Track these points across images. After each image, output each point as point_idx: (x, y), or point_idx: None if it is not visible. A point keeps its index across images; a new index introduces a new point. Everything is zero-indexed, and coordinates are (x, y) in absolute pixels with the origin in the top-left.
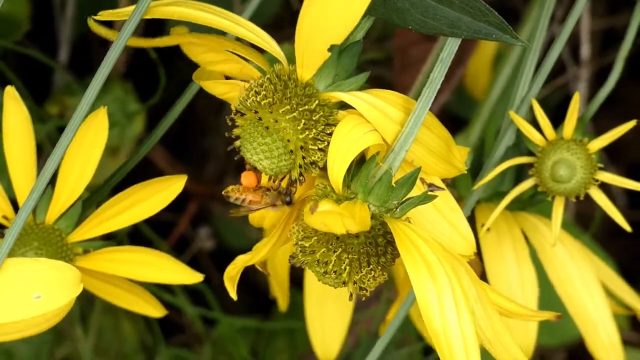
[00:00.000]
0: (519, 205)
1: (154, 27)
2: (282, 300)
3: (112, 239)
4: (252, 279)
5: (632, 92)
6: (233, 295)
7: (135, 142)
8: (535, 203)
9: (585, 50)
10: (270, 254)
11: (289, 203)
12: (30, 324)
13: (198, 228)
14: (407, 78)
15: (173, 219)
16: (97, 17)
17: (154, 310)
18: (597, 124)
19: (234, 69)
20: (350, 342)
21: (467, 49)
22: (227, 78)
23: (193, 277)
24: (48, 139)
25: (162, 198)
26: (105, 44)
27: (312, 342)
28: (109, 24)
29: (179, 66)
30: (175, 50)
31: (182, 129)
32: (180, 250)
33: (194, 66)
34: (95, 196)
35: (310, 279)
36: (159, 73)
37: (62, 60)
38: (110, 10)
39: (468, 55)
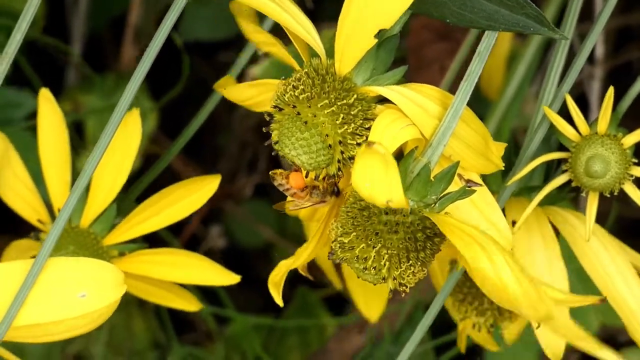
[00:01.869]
0: (548, 199)
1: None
2: (337, 282)
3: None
4: (265, 277)
5: None
6: (279, 301)
7: (149, 140)
8: (564, 197)
9: (599, 49)
10: (312, 257)
11: (338, 193)
12: (76, 324)
13: (209, 226)
14: (423, 78)
15: (185, 217)
16: None
17: (190, 304)
18: (622, 123)
19: (277, 53)
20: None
21: None
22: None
23: (230, 278)
24: None
25: (197, 198)
26: (119, 41)
27: (357, 305)
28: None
29: (193, 64)
30: (191, 47)
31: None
32: (191, 248)
33: (208, 63)
34: (121, 205)
35: None
36: (172, 70)
37: (75, 57)
38: None
39: None
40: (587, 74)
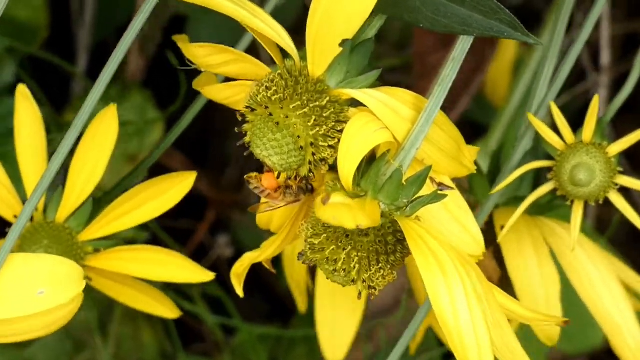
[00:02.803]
0: (537, 209)
1: (175, 30)
2: (301, 302)
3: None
4: (272, 287)
5: None
6: (240, 292)
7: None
8: (553, 208)
9: (605, 56)
10: (278, 251)
11: (312, 191)
12: (39, 324)
13: (217, 235)
14: (426, 84)
15: (192, 227)
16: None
17: (169, 311)
18: (618, 130)
19: (246, 69)
20: (370, 349)
21: (486, 56)
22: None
23: (204, 275)
24: None
25: (172, 196)
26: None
27: (320, 343)
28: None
29: (198, 72)
30: None
31: (201, 135)
32: (199, 258)
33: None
34: (108, 199)
35: (322, 279)
36: (178, 80)
37: (81, 67)
38: None
39: (488, 62)
40: (593, 82)
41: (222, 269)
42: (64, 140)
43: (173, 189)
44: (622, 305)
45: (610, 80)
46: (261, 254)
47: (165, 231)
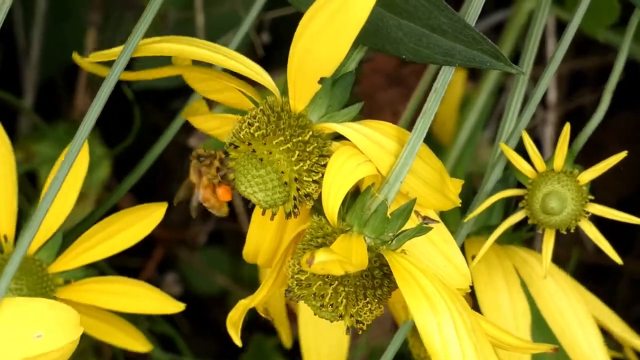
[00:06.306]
0: (508, 238)
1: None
2: (286, 336)
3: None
4: (221, 325)
5: (604, 137)
6: (237, 341)
7: (102, 187)
8: (524, 237)
9: (552, 94)
10: (269, 296)
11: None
12: None
13: (165, 274)
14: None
15: (140, 265)
16: (88, 59)
17: (140, 345)
18: (577, 161)
19: (233, 98)
20: None
21: None
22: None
23: (174, 306)
24: None
25: (143, 227)
26: (72, 89)
27: None
28: (74, 69)
29: (147, 110)
30: (144, 95)
31: (147, 175)
32: None
33: (160, 111)
34: (66, 241)
35: (304, 309)
36: (126, 117)
37: (28, 104)
38: (100, 52)
39: None
40: (541, 119)
41: None
42: (55, 179)
43: (144, 220)
44: (591, 336)
45: (557, 118)
46: (253, 300)
47: (113, 269)
